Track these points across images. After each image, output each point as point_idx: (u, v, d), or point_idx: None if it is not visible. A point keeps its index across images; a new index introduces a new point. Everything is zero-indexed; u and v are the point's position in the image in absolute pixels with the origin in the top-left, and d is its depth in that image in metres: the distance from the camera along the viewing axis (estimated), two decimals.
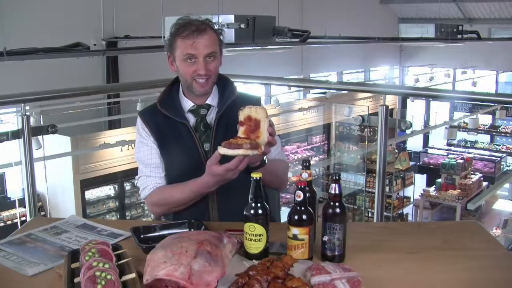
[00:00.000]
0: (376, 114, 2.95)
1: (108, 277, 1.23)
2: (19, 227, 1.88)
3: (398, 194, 9.00)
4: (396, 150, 8.82)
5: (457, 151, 11.72)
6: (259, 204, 1.49)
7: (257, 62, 8.40)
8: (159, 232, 1.72)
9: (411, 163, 10.05)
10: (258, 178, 1.50)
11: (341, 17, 10.62)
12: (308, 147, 10.54)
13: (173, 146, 1.96)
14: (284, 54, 7.14)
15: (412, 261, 1.56)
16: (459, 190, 8.88)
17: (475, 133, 12.52)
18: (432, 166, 10.81)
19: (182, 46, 1.85)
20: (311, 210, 1.51)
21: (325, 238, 1.51)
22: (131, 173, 6.47)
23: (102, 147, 6.48)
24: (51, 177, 4.73)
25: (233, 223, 1.74)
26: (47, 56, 3.77)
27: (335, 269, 1.35)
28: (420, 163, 11.50)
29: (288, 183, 5.30)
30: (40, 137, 3.14)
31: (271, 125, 1.66)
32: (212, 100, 1.98)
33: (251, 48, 3.67)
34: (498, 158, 11.12)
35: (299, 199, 1.49)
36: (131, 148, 6.46)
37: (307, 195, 1.53)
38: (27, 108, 3.25)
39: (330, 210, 1.50)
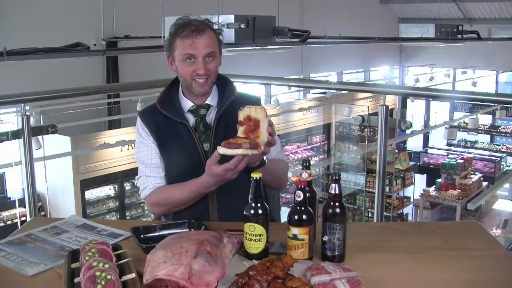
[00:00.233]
0: (376, 114, 2.95)
1: (108, 277, 1.23)
2: (19, 227, 1.88)
3: (398, 194, 9.00)
4: (396, 150, 8.82)
5: (457, 151, 11.72)
6: (259, 204, 1.49)
7: (257, 62, 8.40)
8: (159, 232, 1.72)
9: (411, 163, 10.05)
10: (258, 178, 1.50)
11: (341, 17, 10.62)
12: (308, 147, 10.55)
13: (173, 146, 1.96)
14: (284, 54, 7.14)
15: (412, 261, 1.56)
16: (459, 190, 8.88)
17: (475, 133, 12.52)
18: (432, 166, 10.81)
19: (181, 46, 1.85)
20: (311, 210, 1.51)
21: (325, 238, 1.51)
22: (131, 173, 6.47)
23: (102, 147, 6.48)
24: (51, 177, 4.72)
25: (233, 223, 1.74)
26: (47, 56, 3.77)
27: (335, 269, 1.35)
28: (420, 163, 11.50)
29: (288, 183, 5.31)
30: (40, 137, 3.14)
31: (270, 125, 1.66)
32: (212, 100, 1.98)
33: (251, 48, 3.67)
34: (498, 158, 11.12)
35: (299, 199, 1.49)
36: (131, 148, 6.46)
37: (307, 195, 1.53)
38: (27, 108, 3.25)
39: (330, 210, 1.50)
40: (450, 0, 11.99)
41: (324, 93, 9.57)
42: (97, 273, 1.23)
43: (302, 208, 1.49)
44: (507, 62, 12.02)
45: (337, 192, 1.51)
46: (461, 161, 9.33)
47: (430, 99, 11.90)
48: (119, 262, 1.38)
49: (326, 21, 8.31)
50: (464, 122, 10.10)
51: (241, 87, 2.83)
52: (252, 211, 1.48)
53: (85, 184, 6.66)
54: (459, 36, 7.99)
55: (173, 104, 1.97)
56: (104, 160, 6.68)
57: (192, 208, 1.92)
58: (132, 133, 4.66)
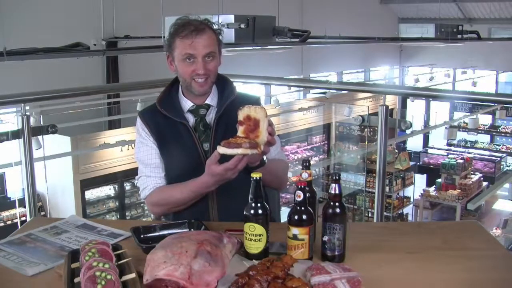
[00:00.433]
0: (376, 114, 2.95)
1: (108, 277, 1.23)
2: (19, 227, 1.88)
3: (398, 194, 9.00)
4: (396, 150, 8.81)
5: (457, 151, 11.72)
6: (259, 204, 1.49)
7: (257, 62, 8.39)
8: (159, 232, 1.72)
9: (411, 163, 10.05)
10: (258, 178, 1.49)
11: (341, 17, 10.62)
12: (308, 147, 10.54)
13: (173, 146, 1.96)
14: (284, 54, 7.14)
15: (412, 261, 1.56)
16: (459, 190, 8.88)
17: (475, 133, 12.52)
18: (432, 166, 10.81)
19: (181, 46, 1.85)
20: (311, 210, 1.51)
21: (325, 238, 1.51)
22: (131, 173, 6.47)
23: (102, 147, 6.48)
24: (51, 177, 4.72)
25: (233, 223, 1.74)
26: (47, 56, 3.77)
27: (335, 269, 1.35)
28: (420, 163, 11.50)
29: (288, 183, 5.31)
30: (40, 137, 3.14)
31: (270, 124, 1.66)
32: (212, 100, 1.98)
33: (251, 48, 3.67)
34: (498, 158, 11.12)
35: (299, 199, 1.49)
36: (131, 148, 6.46)
37: (307, 195, 1.53)
38: (27, 108, 3.24)
39: (330, 210, 1.50)
40: (450, 0, 11.99)
41: (324, 93, 9.57)
42: (97, 273, 1.23)
43: (302, 208, 1.49)
44: (507, 62, 12.02)
45: (337, 192, 1.51)
46: (461, 161, 9.33)
47: (430, 99, 11.90)
48: (119, 262, 1.38)
49: (326, 21, 8.31)
50: (464, 122, 10.10)
51: (241, 87, 2.83)
52: (252, 211, 1.48)
53: (85, 184, 6.66)
54: (459, 36, 7.99)
55: (173, 104, 1.97)
56: (104, 160, 6.68)
57: (192, 208, 1.92)
58: (132, 133, 4.66)
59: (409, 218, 9.17)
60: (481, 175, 9.84)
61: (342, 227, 1.50)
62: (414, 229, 1.93)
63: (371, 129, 8.84)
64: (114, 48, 6.74)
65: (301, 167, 1.66)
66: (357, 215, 8.72)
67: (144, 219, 7.15)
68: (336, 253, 1.51)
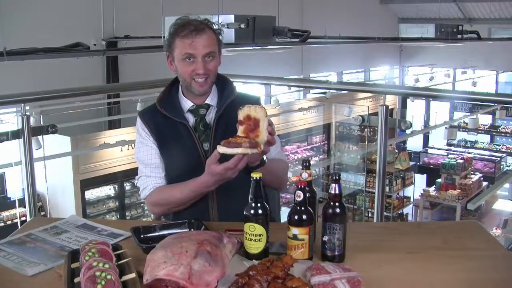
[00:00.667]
0: (376, 114, 2.95)
1: (108, 277, 1.23)
2: (19, 227, 1.88)
3: (398, 194, 9.00)
4: (396, 150, 8.81)
5: (457, 151, 11.72)
6: (259, 204, 1.49)
7: (257, 62, 8.40)
8: (159, 232, 1.72)
9: (411, 163, 10.05)
10: (258, 178, 1.49)
11: (341, 17, 10.61)
12: (308, 147, 10.54)
13: (173, 146, 1.96)
14: (284, 54, 7.14)
15: (412, 261, 1.56)
16: (459, 190, 8.88)
17: (475, 133, 12.52)
18: (432, 166, 10.81)
19: (180, 46, 1.85)
20: (311, 210, 1.51)
21: (325, 238, 1.51)
22: (131, 173, 6.47)
23: (102, 147, 6.48)
24: (51, 177, 4.72)
25: (233, 223, 1.74)
26: (47, 56, 3.77)
27: (335, 269, 1.35)
28: (420, 163, 11.50)
29: (288, 183, 5.31)
30: (40, 137, 3.14)
31: (270, 124, 1.66)
32: (212, 100, 1.98)
33: (251, 48, 3.67)
34: (498, 158, 11.11)
35: (299, 199, 1.49)
36: (131, 148, 6.46)
37: (307, 195, 1.53)
38: (27, 108, 3.24)
39: (330, 210, 1.50)
40: (450, 0, 11.98)
41: (324, 93, 9.58)
42: (97, 273, 1.23)
43: (302, 208, 1.49)
44: (507, 62, 12.02)
45: (337, 192, 1.51)
46: (461, 161, 9.32)
47: (430, 99, 11.90)
48: (119, 262, 1.38)
49: (326, 21, 8.31)
50: (464, 122, 10.10)
51: (241, 87, 2.83)
52: (252, 211, 1.48)
53: (85, 184, 6.66)
54: (459, 36, 7.99)
55: (173, 104, 1.97)
56: (104, 160, 6.68)
57: (192, 208, 1.92)
58: (132, 133, 4.66)
59: (409, 218, 9.17)
60: (481, 175, 9.84)
61: (342, 227, 1.50)
62: (414, 229, 1.93)
63: (371, 129, 8.84)
64: (114, 48, 6.74)
65: (301, 167, 1.66)
66: (357, 215, 8.72)
67: (144, 219, 7.15)
68: (336, 253, 1.51)
